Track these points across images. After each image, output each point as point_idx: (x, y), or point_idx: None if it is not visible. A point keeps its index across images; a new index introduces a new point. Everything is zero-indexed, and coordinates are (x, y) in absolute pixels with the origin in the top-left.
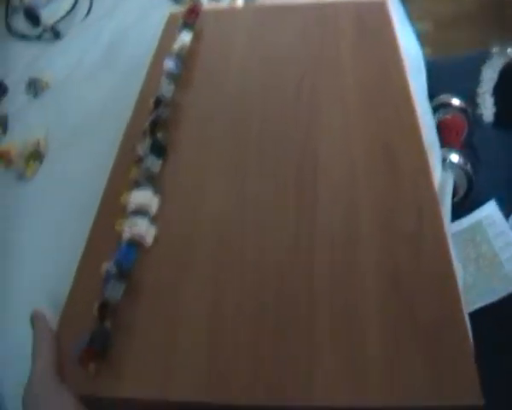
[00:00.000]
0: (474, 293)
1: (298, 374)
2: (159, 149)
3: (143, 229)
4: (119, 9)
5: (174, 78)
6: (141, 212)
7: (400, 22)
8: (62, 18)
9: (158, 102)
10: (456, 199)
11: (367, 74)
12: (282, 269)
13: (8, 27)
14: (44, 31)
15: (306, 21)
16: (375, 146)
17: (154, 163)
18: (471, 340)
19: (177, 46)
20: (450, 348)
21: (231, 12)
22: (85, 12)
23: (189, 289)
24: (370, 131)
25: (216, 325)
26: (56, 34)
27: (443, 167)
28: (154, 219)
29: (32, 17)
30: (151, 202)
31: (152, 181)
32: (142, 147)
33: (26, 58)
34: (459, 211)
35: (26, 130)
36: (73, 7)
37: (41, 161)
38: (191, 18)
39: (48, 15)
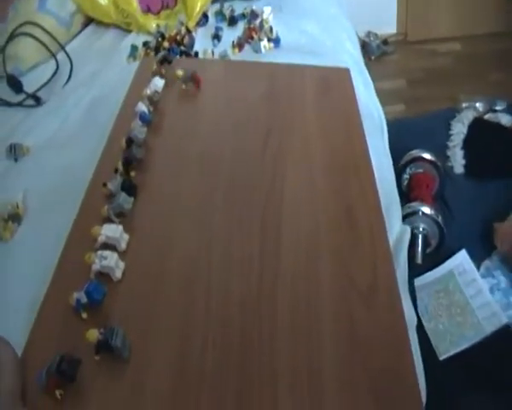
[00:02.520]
0: (448, 341)
1: None
2: (130, 188)
3: (113, 262)
4: (99, 77)
5: (146, 121)
6: (111, 246)
7: (364, 85)
8: (44, 85)
9: (130, 142)
10: (429, 250)
11: (330, 137)
12: (245, 312)
13: None
14: (26, 98)
15: (275, 80)
16: (336, 207)
17: (125, 200)
18: (420, 389)
19: (149, 91)
20: (401, 399)
21: (203, 63)
22: (66, 79)
23: (156, 323)
24: (333, 192)
25: (183, 363)
26: (38, 101)
27: (411, 221)
28: (123, 255)
29: (15, 84)
30: (121, 237)
31: (122, 218)
32: (114, 184)
33: (8, 124)
34: (432, 262)
35: (5, 193)
36: (54, 74)
37: (19, 223)
38: (164, 65)
39: (30, 83)
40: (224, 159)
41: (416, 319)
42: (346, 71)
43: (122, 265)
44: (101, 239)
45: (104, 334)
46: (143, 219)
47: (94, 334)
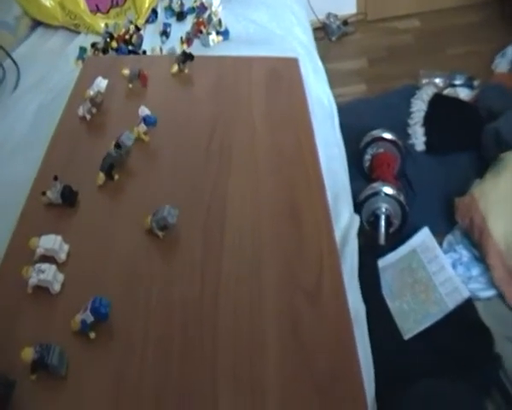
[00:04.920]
0: (412, 320)
1: None
2: (70, 195)
3: (51, 276)
4: (46, 82)
5: (151, 123)
6: (49, 258)
7: (314, 72)
8: None
9: (118, 147)
10: (392, 230)
11: (276, 132)
12: (186, 319)
13: None
14: None
15: (222, 74)
16: (281, 204)
17: (170, 213)
18: (365, 391)
19: (92, 92)
20: (346, 399)
21: (149, 60)
22: (13, 87)
23: (95, 335)
24: (278, 190)
25: (122, 376)
26: None
27: (373, 201)
28: (62, 266)
29: None
30: (60, 249)
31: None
32: (53, 192)
33: None
34: (396, 241)
35: None
36: (1, 83)
37: None
38: (186, 64)
39: None
40: (167, 157)
41: (364, 307)
42: (295, 61)
43: (61, 277)
44: (39, 251)
45: (40, 352)
46: (84, 228)
47: (29, 353)
